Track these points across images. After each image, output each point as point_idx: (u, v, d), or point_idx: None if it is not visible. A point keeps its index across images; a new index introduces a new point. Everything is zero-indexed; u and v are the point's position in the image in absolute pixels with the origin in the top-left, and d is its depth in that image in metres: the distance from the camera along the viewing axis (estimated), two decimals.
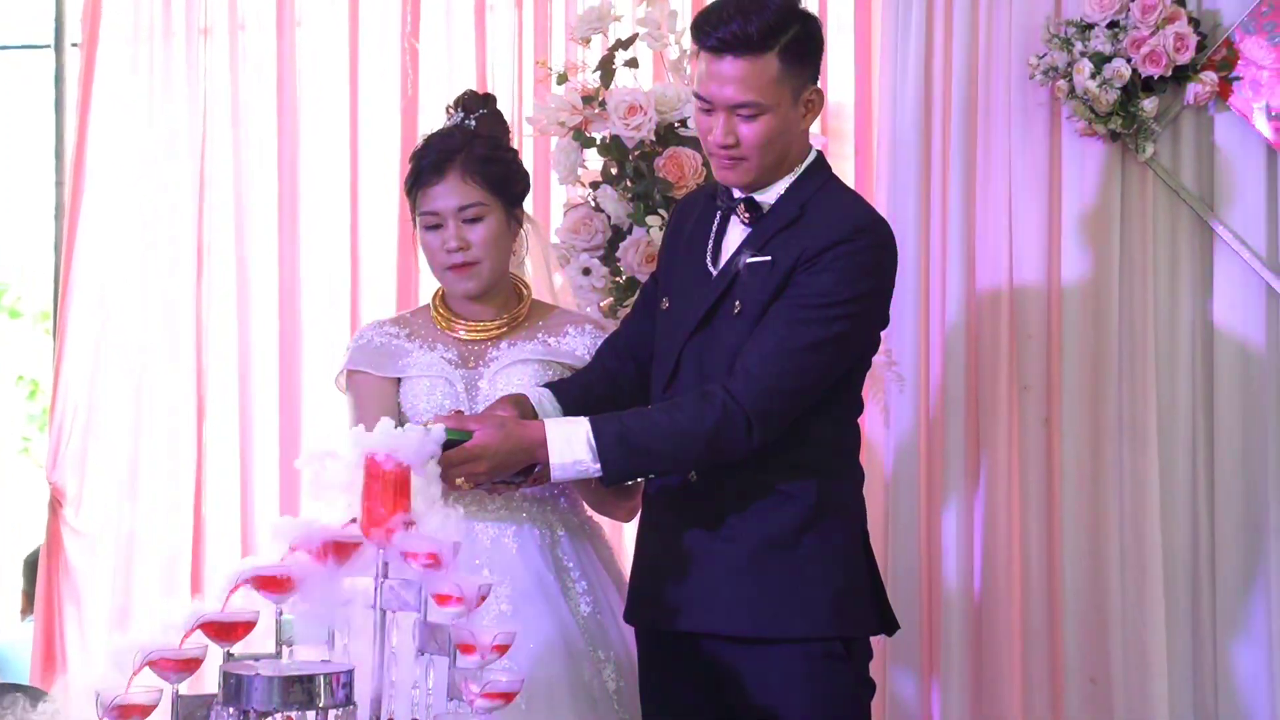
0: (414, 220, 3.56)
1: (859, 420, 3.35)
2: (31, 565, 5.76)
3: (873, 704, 3.33)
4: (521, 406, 3.27)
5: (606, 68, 4.21)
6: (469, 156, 3.48)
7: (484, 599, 2.62)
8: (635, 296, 3.68)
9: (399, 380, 3.53)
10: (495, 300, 3.58)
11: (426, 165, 3.51)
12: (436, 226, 3.50)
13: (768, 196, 3.24)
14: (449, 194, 3.48)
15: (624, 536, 4.21)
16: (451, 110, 3.62)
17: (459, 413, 3.29)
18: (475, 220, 3.49)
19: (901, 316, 4.34)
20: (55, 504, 4.85)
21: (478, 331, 3.57)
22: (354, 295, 4.80)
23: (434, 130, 3.62)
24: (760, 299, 3.17)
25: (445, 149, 3.50)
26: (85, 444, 4.85)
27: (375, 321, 3.76)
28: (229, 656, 2.49)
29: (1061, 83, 4.30)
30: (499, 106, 3.67)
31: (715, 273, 3.26)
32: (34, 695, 4.18)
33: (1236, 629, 4.31)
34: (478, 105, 3.60)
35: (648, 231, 4.08)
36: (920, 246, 4.43)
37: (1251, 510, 4.32)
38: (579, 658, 3.41)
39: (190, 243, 4.87)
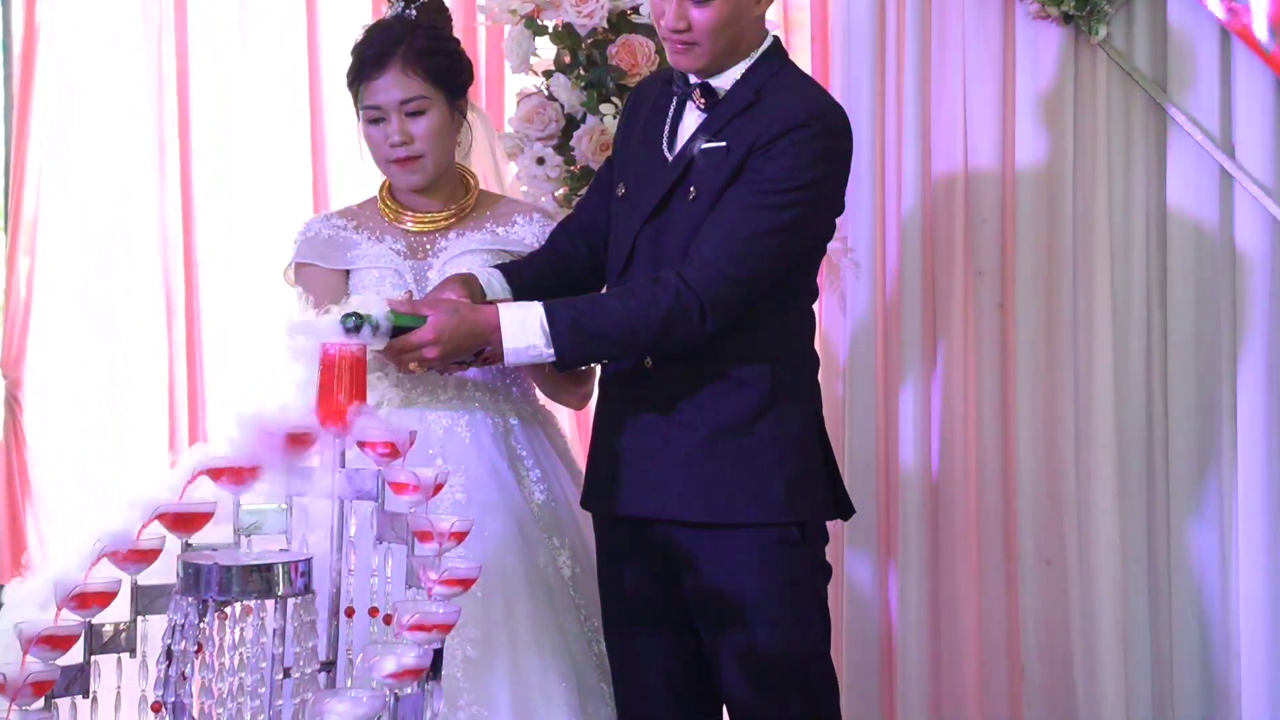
0: (357, 113, 3.53)
1: (814, 306, 3.36)
2: None
3: (830, 588, 3.37)
4: (470, 287, 3.25)
5: None
6: (410, 49, 3.45)
7: (440, 488, 2.63)
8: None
9: (348, 272, 3.52)
10: (442, 191, 3.57)
11: (368, 58, 3.47)
12: (379, 120, 3.47)
13: (723, 82, 3.22)
14: (391, 87, 3.44)
15: (578, 424, 4.24)
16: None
17: (409, 295, 3.28)
18: (418, 113, 3.46)
19: (857, 203, 4.35)
20: (12, 400, 4.83)
21: (425, 223, 3.56)
22: (315, 183, 4.76)
23: (374, 22, 3.59)
24: (715, 185, 3.16)
25: (386, 41, 3.46)
26: (37, 339, 4.83)
27: (322, 214, 3.75)
28: (187, 546, 2.49)
29: None
30: None
31: (671, 158, 3.25)
32: None
33: (1189, 510, 4.35)
34: None
35: (601, 120, 4.06)
36: (876, 133, 4.42)
37: (1204, 393, 4.35)
38: (534, 545, 3.43)
39: (148, 131, 4.82)
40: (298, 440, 2.60)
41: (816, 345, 3.37)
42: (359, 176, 4.52)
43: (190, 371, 4.82)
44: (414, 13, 3.51)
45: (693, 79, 3.24)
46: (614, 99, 4.05)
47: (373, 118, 3.48)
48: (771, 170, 3.13)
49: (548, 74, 4.17)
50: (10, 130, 4.93)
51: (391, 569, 2.60)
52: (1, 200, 5.05)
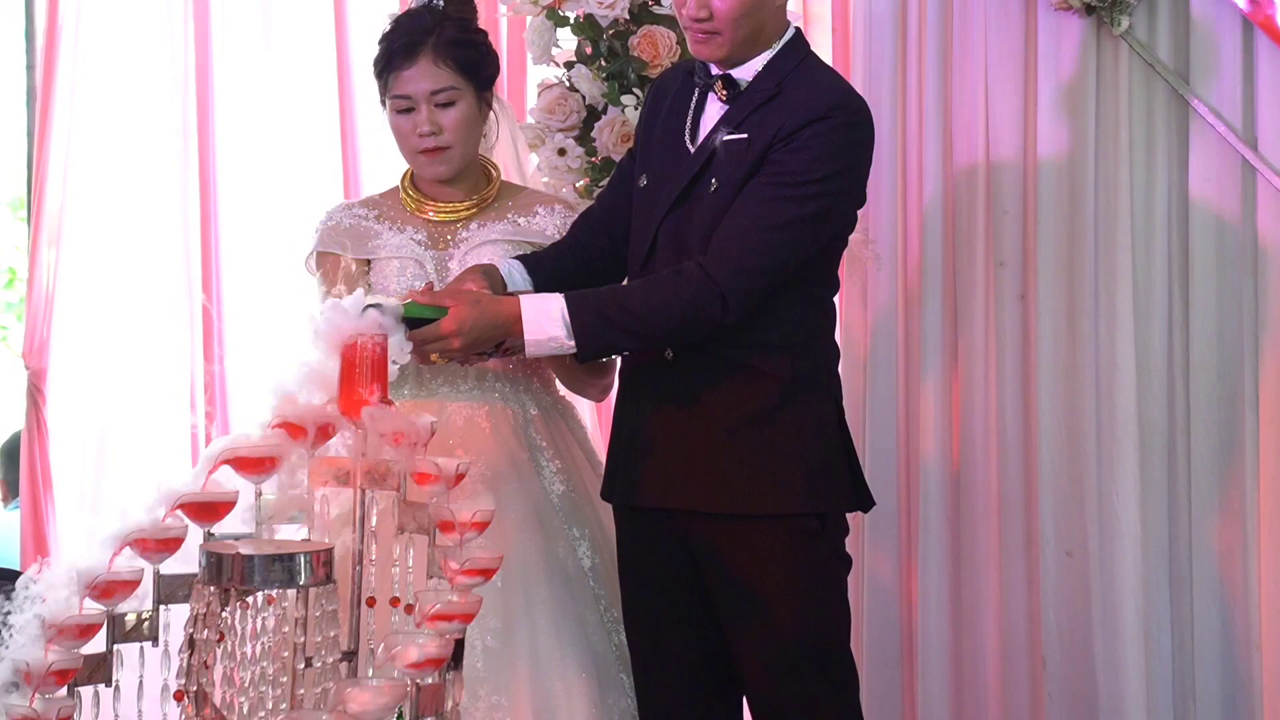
0: (383, 102, 3.53)
1: (835, 298, 3.36)
2: (8, 453, 5.77)
3: (851, 579, 3.36)
4: (491, 277, 3.26)
5: None
6: (440, 39, 3.45)
7: (462, 478, 2.63)
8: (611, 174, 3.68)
9: (369, 262, 3.53)
10: (465, 182, 3.57)
11: (397, 48, 3.47)
12: (408, 110, 3.48)
13: (745, 73, 3.22)
14: (421, 78, 3.45)
15: (598, 415, 4.24)
16: None
17: (430, 286, 3.29)
18: (447, 104, 3.47)
19: (878, 195, 4.34)
20: (35, 391, 4.85)
21: (447, 213, 3.56)
22: (346, 171, 4.77)
23: (401, 11, 3.60)
24: (737, 177, 3.16)
25: (416, 31, 3.46)
26: (60, 330, 4.84)
27: (344, 203, 3.76)
28: (209, 536, 2.50)
29: None
30: None
31: (693, 150, 3.25)
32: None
33: (1210, 501, 4.34)
34: None
35: (622, 111, 4.07)
36: (897, 124, 4.42)
37: (1226, 384, 4.33)
38: (553, 536, 3.43)
39: (172, 122, 4.83)
40: (320, 432, 2.62)
41: (837, 337, 3.37)
42: (390, 165, 4.58)
43: (209, 362, 4.83)
44: (442, 3, 3.51)
45: (714, 70, 3.24)
46: (635, 90, 4.05)
47: (401, 108, 3.48)
48: (793, 162, 3.13)
49: (569, 65, 4.18)
50: (34, 121, 4.94)
51: (413, 558, 2.60)
52: (25, 192, 5.06)
